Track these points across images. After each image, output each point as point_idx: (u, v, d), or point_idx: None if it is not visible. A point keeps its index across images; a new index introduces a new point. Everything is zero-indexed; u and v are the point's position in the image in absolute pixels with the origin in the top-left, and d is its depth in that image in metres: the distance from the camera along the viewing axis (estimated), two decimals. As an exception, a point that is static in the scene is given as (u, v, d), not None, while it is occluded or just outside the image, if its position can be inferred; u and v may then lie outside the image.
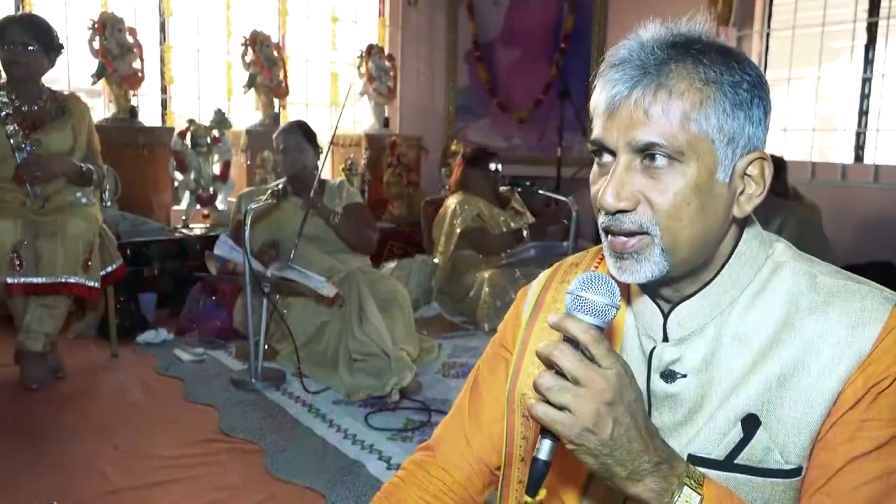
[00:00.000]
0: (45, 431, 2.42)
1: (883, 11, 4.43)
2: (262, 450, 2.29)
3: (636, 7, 5.29)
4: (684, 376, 0.85)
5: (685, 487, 0.74)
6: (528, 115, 6.00)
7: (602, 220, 0.81)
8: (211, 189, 4.63)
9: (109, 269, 3.03)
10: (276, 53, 5.22)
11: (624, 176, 0.78)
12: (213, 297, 3.57)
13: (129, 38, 4.44)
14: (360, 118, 6.00)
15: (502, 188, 4.21)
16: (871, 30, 4.50)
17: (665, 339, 0.86)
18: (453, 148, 5.79)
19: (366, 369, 2.78)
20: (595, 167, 0.84)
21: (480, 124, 6.30)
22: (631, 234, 0.79)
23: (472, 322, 3.86)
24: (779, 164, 3.70)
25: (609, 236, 0.82)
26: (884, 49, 4.46)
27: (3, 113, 2.81)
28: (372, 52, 5.60)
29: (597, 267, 0.97)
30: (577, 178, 5.15)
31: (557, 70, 5.54)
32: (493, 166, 4.05)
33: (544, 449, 0.74)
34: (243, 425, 2.48)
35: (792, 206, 3.92)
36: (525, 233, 4.00)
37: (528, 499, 0.74)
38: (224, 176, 4.70)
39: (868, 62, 4.53)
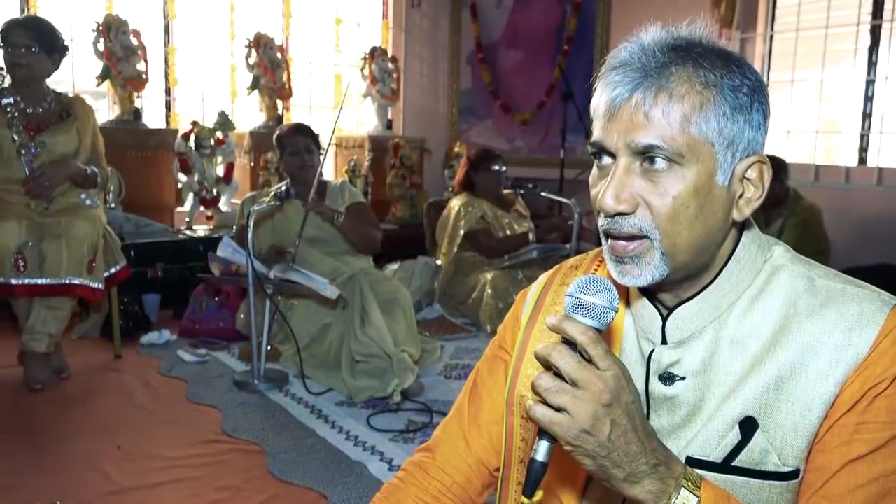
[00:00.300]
0: (49, 431, 2.43)
1: (886, 14, 4.42)
2: (265, 451, 2.30)
3: (639, 9, 5.30)
4: (683, 379, 0.85)
5: (682, 489, 0.75)
6: (531, 116, 6.01)
7: (601, 222, 0.82)
8: (214, 191, 4.65)
9: (113, 270, 3.04)
10: (279, 55, 5.24)
11: (623, 178, 0.78)
12: (217, 299, 3.58)
13: (134, 41, 4.46)
14: (363, 120, 6.02)
15: (505, 190, 4.22)
16: (875, 32, 4.50)
17: (664, 341, 0.87)
18: (456, 150, 5.80)
19: (368, 371, 2.79)
20: (594, 170, 0.84)
21: (483, 126, 6.31)
22: (630, 238, 0.80)
23: (475, 324, 3.87)
24: (779, 165, 3.70)
25: (609, 240, 0.82)
26: (887, 51, 4.46)
27: (9, 115, 2.83)
28: (375, 54, 5.61)
29: (596, 269, 0.98)
30: (580, 179, 5.15)
31: (560, 72, 5.54)
32: (497, 168, 4.06)
33: (541, 450, 0.74)
34: (246, 426, 2.49)
35: (793, 208, 3.92)
36: (531, 236, 4.02)
37: (525, 500, 0.74)
38: (227, 178, 4.72)
39: (872, 65, 4.52)
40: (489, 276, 3.90)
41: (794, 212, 3.91)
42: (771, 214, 3.90)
